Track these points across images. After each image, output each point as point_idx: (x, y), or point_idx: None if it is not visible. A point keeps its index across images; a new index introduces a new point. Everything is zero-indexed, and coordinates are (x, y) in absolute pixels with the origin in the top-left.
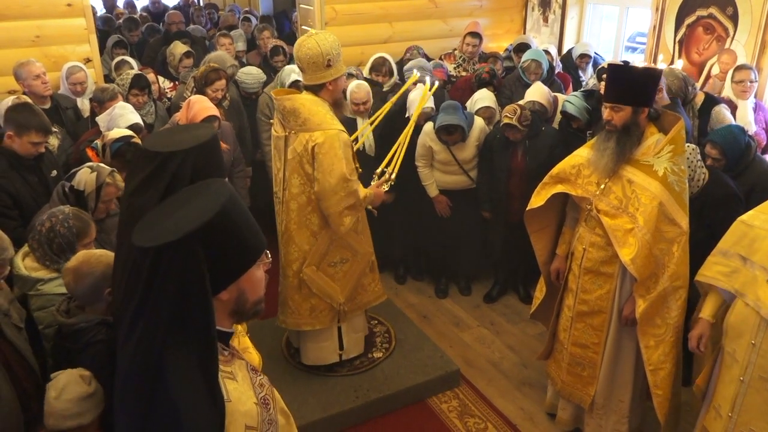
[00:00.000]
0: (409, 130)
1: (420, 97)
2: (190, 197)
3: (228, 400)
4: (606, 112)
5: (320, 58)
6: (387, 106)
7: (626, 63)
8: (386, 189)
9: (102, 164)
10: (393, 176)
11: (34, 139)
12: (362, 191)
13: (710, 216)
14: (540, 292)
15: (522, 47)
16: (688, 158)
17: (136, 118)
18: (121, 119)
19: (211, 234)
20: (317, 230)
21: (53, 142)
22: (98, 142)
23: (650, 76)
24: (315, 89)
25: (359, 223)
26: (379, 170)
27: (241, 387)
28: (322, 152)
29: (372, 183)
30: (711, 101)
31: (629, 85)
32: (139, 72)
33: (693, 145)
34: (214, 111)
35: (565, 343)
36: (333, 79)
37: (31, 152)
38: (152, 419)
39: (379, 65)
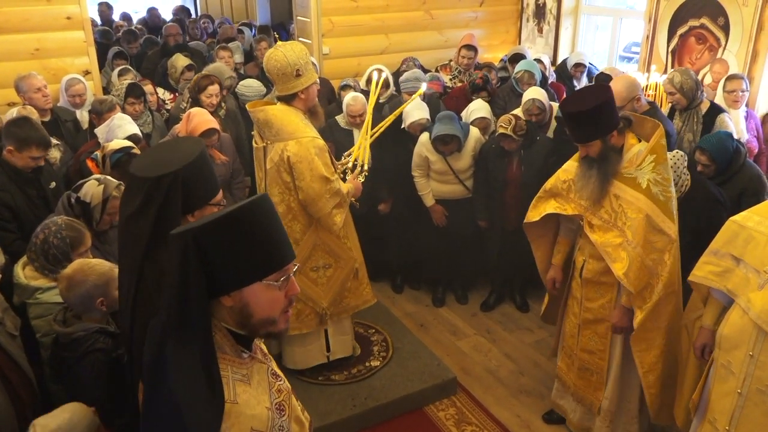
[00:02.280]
0: (368, 120)
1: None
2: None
3: (234, 402)
4: (580, 149)
5: (288, 69)
6: (387, 122)
7: (604, 75)
8: (362, 180)
9: (109, 177)
10: (366, 167)
11: (35, 153)
12: (344, 186)
13: (693, 221)
14: (546, 297)
15: (517, 57)
16: (675, 164)
17: (134, 128)
18: (120, 130)
19: (208, 236)
20: (299, 237)
21: (55, 154)
22: (98, 153)
23: (602, 105)
24: (287, 99)
25: (342, 229)
26: (350, 164)
27: (254, 391)
28: (298, 161)
29: (347, 177)
30: (715, 109)
31: (587, 123)
32: (133, 81)
33: (681, 152)
34: (214, 123)
35: (574, 349)
36: (304, 88)
37: (31, 166)
38: (153, 407)
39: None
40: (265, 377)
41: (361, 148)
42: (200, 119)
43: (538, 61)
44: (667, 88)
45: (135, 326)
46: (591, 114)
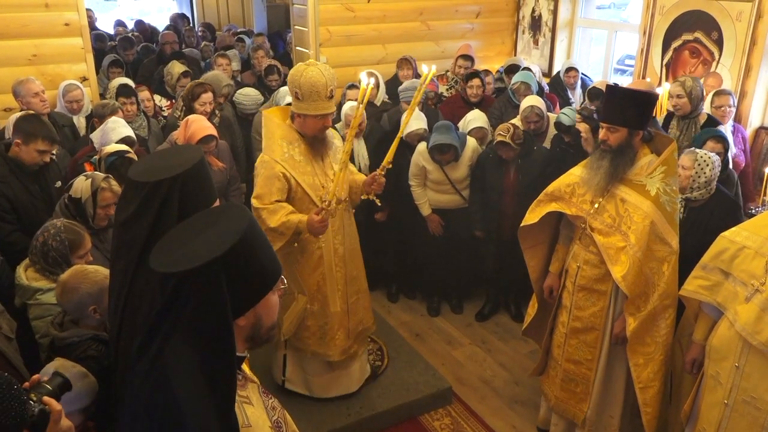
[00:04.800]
0: (346, 153)
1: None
2: (208, 222)
3: (248, 426)
4: (602, 132)
5: (291, 86)
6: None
7: (597, 89)
8: (327, 216)
9: (97, 172)
10: (332, 206)
11: (41, 147)
12: (276, 220)
13: (717, 223)
14: (532, 309)
15: (513, 68)
16: (713, 163)
17: (128, 131)
18: (113, 133)
19: (233, 259)
20: None
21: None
22: (96, 158)
23: (647, 100)
24: (292, 114)
25: (316, 271)
26: (330, 196)
27: (258, 411)
28: (255, 174)
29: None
30: (713, 122)
31: (627, 107)
32: (124, 82)
33: (715, 154)
34: (212, 130)
35: (558, 360)
36: (298, 112)
37: (37, 160)
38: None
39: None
40: (259, 397)
41: (334, 182)
42: (198, 126)
43: (527, 69)
44: (676, 91)
45: (122, 332)
46: (634, 98)
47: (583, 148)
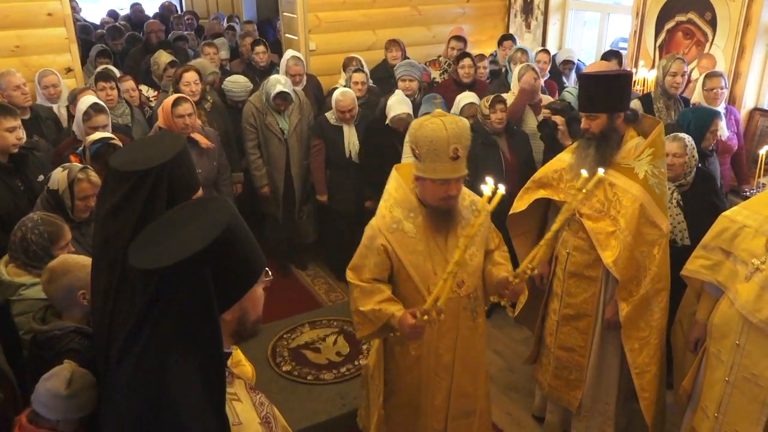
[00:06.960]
0: (455, 263)
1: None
2: (189, 216)
3: (239, 424)
4: (583, 121)
5: (409, 141)
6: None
7: (615, 52)
8: (423, 324)
9: (74, 163)
10: (432, 315)
11: (6, 125)
12: (367, 304)
13: (718, 201)
14: (523, 296)
15: (507, 37)
16: (691, 144)
17: (94, 98)
18: (82, 104)
19: (217, 253)
20: None
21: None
22: (81, 149)
23: (620, 80)
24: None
25: (398, 362)
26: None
27: (246, 407)
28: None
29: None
30: (686, 102)
31: (601, 93)
32: (103, 68)
33: (690, 138)
34: (183, 94)
35: (551, 347)
36: (416, 174)
37: (11, 141)
38: None
39: (349, 61)
40: (246, 393)
41: (436, 289)
42: (170, 98)
43: (545, 51)
44: (681, 69)
45: (114, 325)
46: (607, 81)
47: (561, 141)
